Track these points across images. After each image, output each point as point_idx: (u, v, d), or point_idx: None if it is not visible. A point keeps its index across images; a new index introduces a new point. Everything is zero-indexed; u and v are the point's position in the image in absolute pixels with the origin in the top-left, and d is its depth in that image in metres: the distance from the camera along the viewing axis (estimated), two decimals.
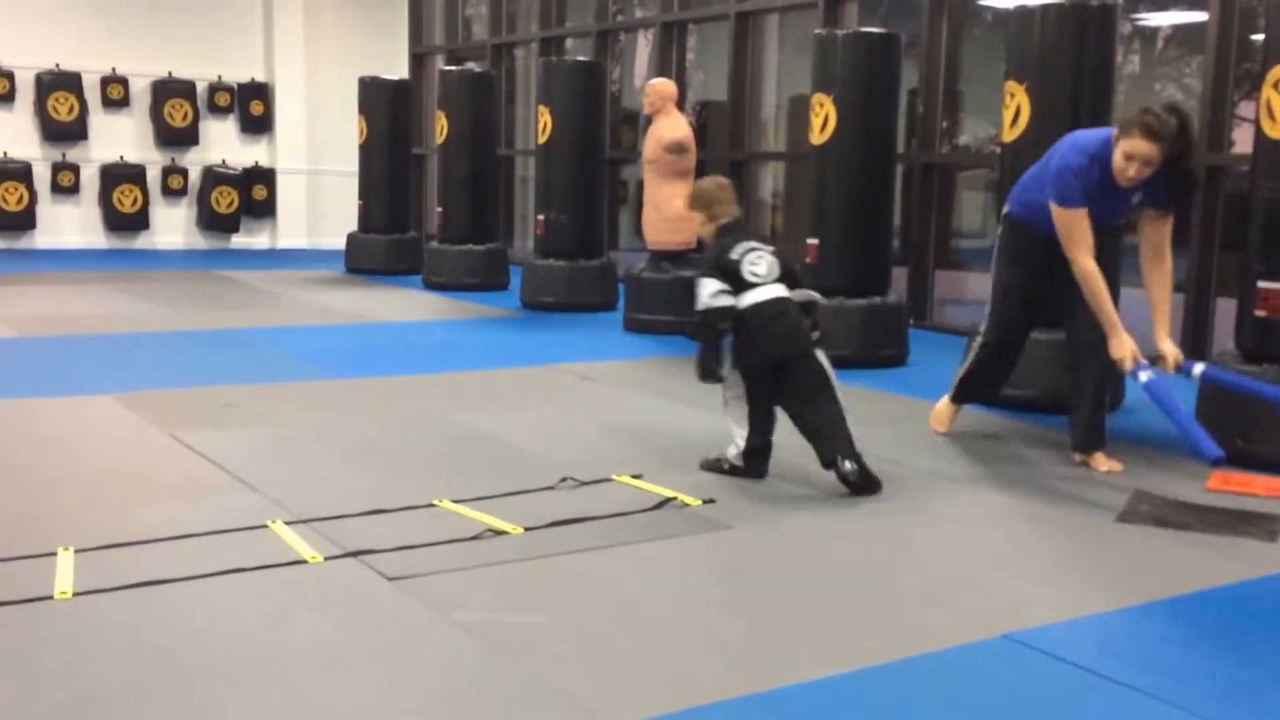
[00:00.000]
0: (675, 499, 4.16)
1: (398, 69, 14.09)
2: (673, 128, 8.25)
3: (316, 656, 2.89)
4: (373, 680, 2.77)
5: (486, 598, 3.27)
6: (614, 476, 4.45)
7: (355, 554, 3.55)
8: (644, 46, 12.23)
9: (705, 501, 4.16)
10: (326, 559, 3.51)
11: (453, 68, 11.79)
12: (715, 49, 11.30)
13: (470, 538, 3.73)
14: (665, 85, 8.47)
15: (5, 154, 13.04)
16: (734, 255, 4.44)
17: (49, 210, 13.31)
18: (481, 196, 11.06)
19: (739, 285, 4.41)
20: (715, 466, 4.56)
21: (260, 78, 14.33)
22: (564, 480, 4.36)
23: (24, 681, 2.69)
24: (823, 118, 7.13)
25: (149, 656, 2.85)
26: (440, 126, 11.00)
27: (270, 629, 3.04)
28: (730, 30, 10.51)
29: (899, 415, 5.80)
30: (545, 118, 9.49)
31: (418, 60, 14.84)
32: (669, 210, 8.22)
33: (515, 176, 13.45)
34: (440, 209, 11.07)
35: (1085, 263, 4.56)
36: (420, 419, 5.53)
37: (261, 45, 14.34)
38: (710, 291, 4.40)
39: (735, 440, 4.50)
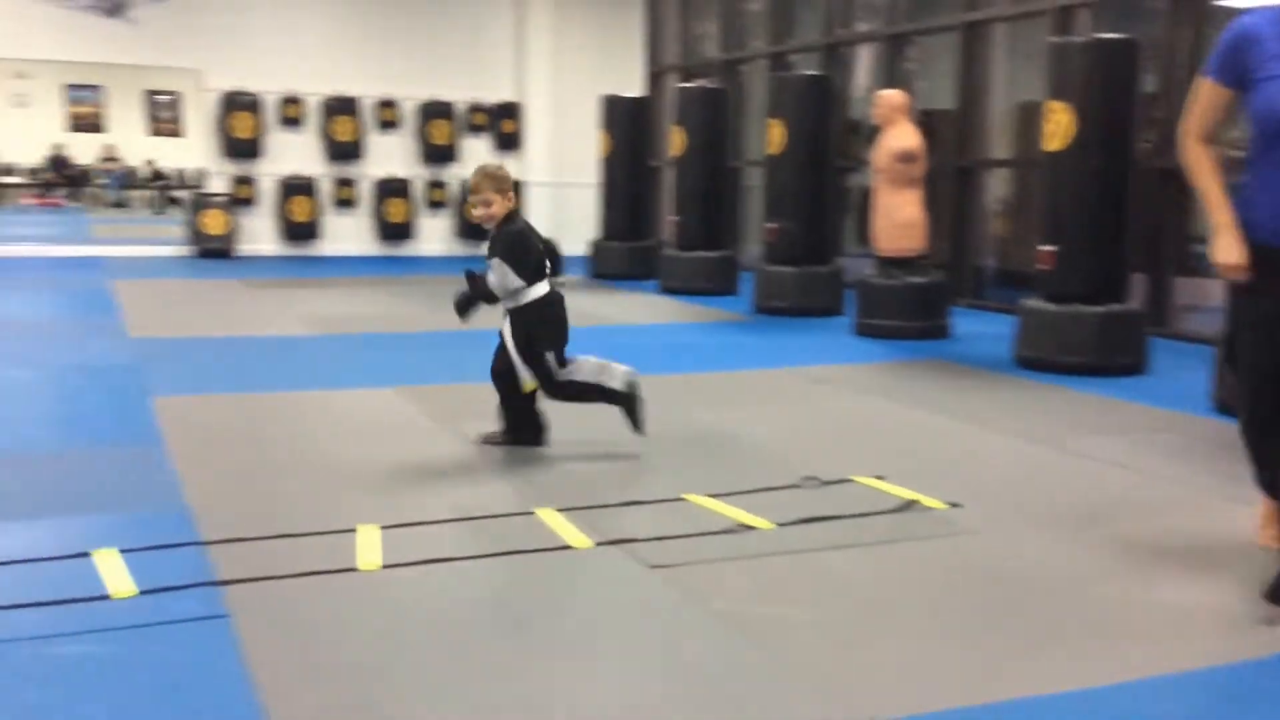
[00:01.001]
0: (918, 502, 4.07)
1: (634, 87, 14.33)
2: (903, 137, 8.08)
3: (590, 634, 2.97)
4: (640, 661, 2.83)
5: (742, 589, 3.28)
6: (855, 477, 4.39)
7: (618, 542, 3.63)
8: (865, 57, 12.02)
9: (950, 505, 4.05)
10: (596, 545, 3.61)
11: (689, 84, 11.89)
12: (937, 58, 10.99)
13: (722, 531, 3.76)
14: (895, 96, 8.30)
15: (296, 172, 13.95)
16: (540, 244, 4.67)
17: (331, 221, 14.19)
18: (714, 206, 11.13)
19: (539, 273, 4.63)
20: (638, 411, 4.78)
21: (512, 98, 14.84)
22: (806, 479, 4.34)
23: (342, 641, 2.87)
24: (1058, 125, 6.83)
25: (446, 625, 3.00)
26: (676, 140, 11.13)
27: (549, 605, 3.15)
28: (959, 40, 10.20)
29: (1137, 424, 5.50)
30: (776, 129, 9.45)
31: (653, 78, 15.05)
32: (899, 217, 8.07)
33: (742, 186, 13.46)
34: (675, 218, 11.20)
35: (1186, 147, 3.41)
36: (662, 416, 5.59)
37: (513, 69, 14.85)
38: (512, 285, 4.58)
39: (614, 378, 4.74)
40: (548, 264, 4.73)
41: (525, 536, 3.68)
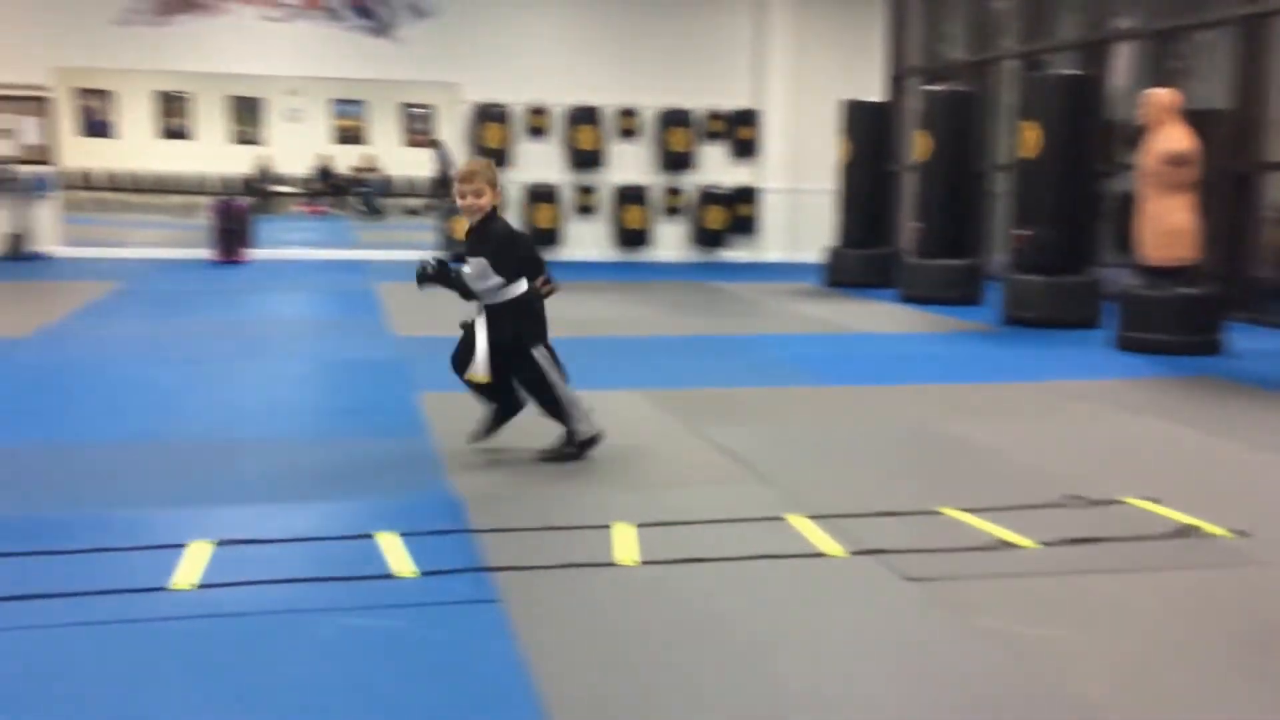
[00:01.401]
0: (1198, 528, 3.83)
1: (874, 91, 14.11)
2: (1173, 139, 7.62)
3: (850, 644, 2.95)
4: (901, 673, 2.79)
5: (1007, 608, 3.18)
6: (1126, 499, 4.17)
7: (872, 552, 3.58)
8: (1125, 55, 11.39)
9: (1236, 534, 3.79)
10: (850, 554, 3.57)
11: (935, 87, 11.60)
12: (1208, 54, 10.30)
13: (982, 547, 3.65)
14: (1165, 96, 7.84)
15: (540, 179, 14.48)
16: (526, 245, 4.72)
17: (573, 228, 14.64)
18: (959, 212, 10.83)
19: (520, 272, 4.60)
20: (561, 454, 4.63)
21: (749, 105, 14.89)
22: (1071, 498, 4.16)
23: (608, 631, 2.96)
24: None
25: (707, 624, 3.05)
26: (920, 144, 10.89)
27: (806, 613, 3.15)
28: (1237, 35, 9.54)
29: None
30: (1031, 132, 9.10)
31: (895, 81, 14.78)
32: (1168, 224, 7.61)
33: (987, 192, 13.02)
34: (918, 224, 10.95)
35: None
36: (910, 427, 5.50)
37: (751, 75, 14.91)
38: (491, 283, 4.53)
39: (577, 419, 4.65)
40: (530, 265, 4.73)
41: (777, 541, 3.69)
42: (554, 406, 4.70)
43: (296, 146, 24.77)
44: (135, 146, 23.61)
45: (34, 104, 13.00)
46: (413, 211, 24.04)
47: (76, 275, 11.44)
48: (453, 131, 15.04)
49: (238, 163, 23.89)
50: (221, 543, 3.57)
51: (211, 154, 23.95)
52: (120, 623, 2.99)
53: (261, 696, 2.60)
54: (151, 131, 23.86)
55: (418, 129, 25.73)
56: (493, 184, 4.61)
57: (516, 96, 14.31)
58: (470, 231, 4.69)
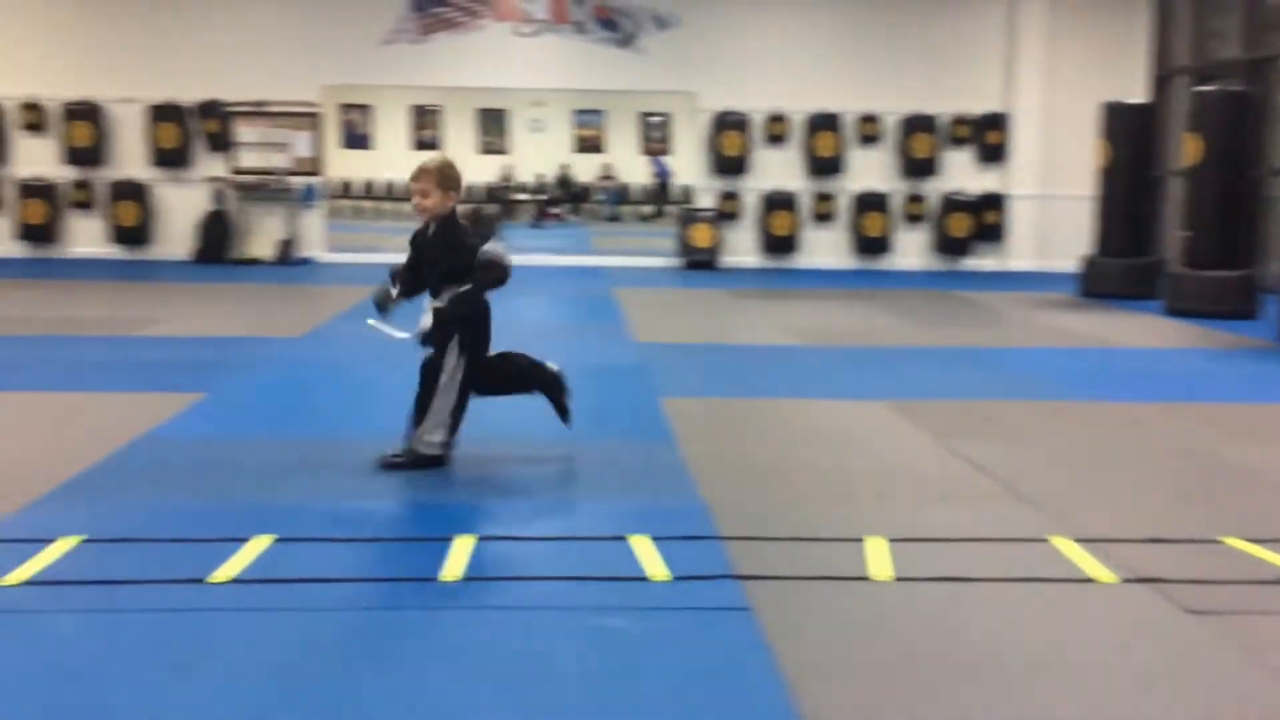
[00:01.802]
0: None
1: (1136, 92, 13.36)
2: None
3: (1126, 677, 2.79)
4: (1188, 713, 2.61)
5: None
6: None
7: (1148, 580, 3.38)
8: None
9: None
10: (1122, 581, 3.39)
11: (1207, 88, 10.88)
12: None
13: (1273, 581, 3.38)
14: None
15: (778, 187, 14.44)
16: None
17: (809, 234, 14.54)
18: (1232, 220, 10.11)
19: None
20: (404, 462, 4.44)
21: (998, 109, 14.38)
22: None
23: (865, 646, 2.91)
24: None
25: (971, 647, 2.95)
26: (1190, 148, 10.22)
27: (1075, 641, 3.00)
28: None
29: None
30: None
31: (1159, 82, 13.94)
32: None
33: (1263, 198, 12.09)
34: (1186, 233, 10.29)
35: None
36: (1183, 448, 5.16)
37: (1001, 78, 14.40)
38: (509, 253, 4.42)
39: (431, 435, 4.45)
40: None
41: (1041, 564, 3.54)
42: (424, 404, 4.55)
43: (538, 156, 25.70)
44: (390, 157, 25.04)
45: (306, 119, 14.01)
46: (648, 218, 24.56)
47: (340, 279, 12.23)
48: (690, 140, 15.23)
49: (483, 172, 25.00)
50: (483, 538, 3.72)
51: (461, 164, 25.10)
52: (392, 609, 3.16)
53: (523, 688, 2.69)
54: (405, 143, 25.25)
55: (654, 138, 26.22)
56: (444, 186, 4.48)
57: (755, 104, 14.34)
58: (432, 235, 4.57)
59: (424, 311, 4.59)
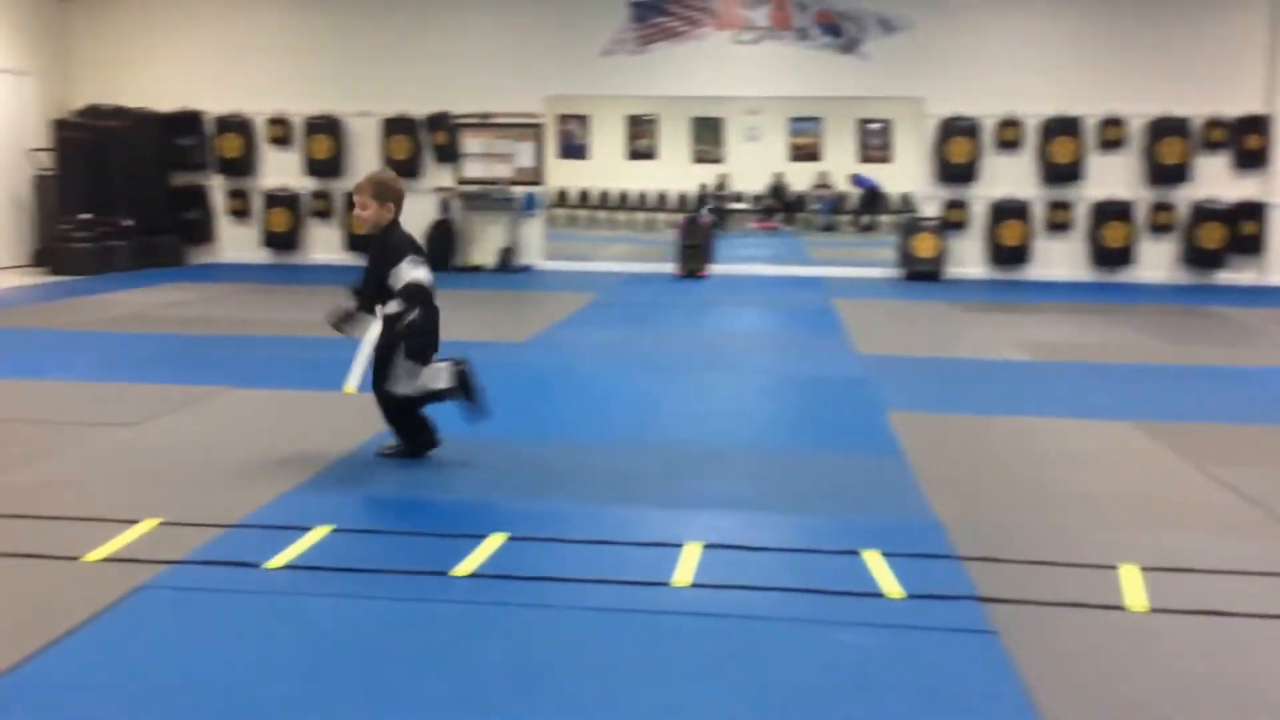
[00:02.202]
0: None
1: None
2: None
3: None
4: None
5: None
6: None
7: None
8: None
9: None
10: None
11: None
12: None
13: None
14: None
15: (1008, 195, 14.01)
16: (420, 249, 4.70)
17: (1042, 245, 14.03)
18: None
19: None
20: (396, 451, 4.81)
21: (1259, 110, 13.51)
22: None
23: (1120, 679, 2.80)
24: None
25: (1236, 688, 2.79)
26: None
27: None
28: None
29: None
30: None
31: None
32: None
33: None
34: None
35: None
36: None
37: (1263, 77, 13.52)
38: (425, 274, 4.65)
39: (436, 375, 4.77)
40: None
41: None
42: (394, 417, 4.80)
43: (752, 164, 25.76)
44: (605, 167, 25.64)
45: (528, 130, 14.51)
46: (866, 228, 24.19)
47: (558, 287, 12.60)
48: (913, 147, 14.94)
49: (698, 181, 25.26)
50: (709, 545, 3.77)
51: (674, 173, 25.48)
52: (620, 611, 3.24)
53: (751, 697, 2.71)
54: (621, 152, 25.78)
55: (873, 145, 25.84)
56: (380, 198, 4.67)
57: (986, 108, 13.95)
58: (371, 240, 4.78)
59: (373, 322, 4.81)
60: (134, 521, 3.89)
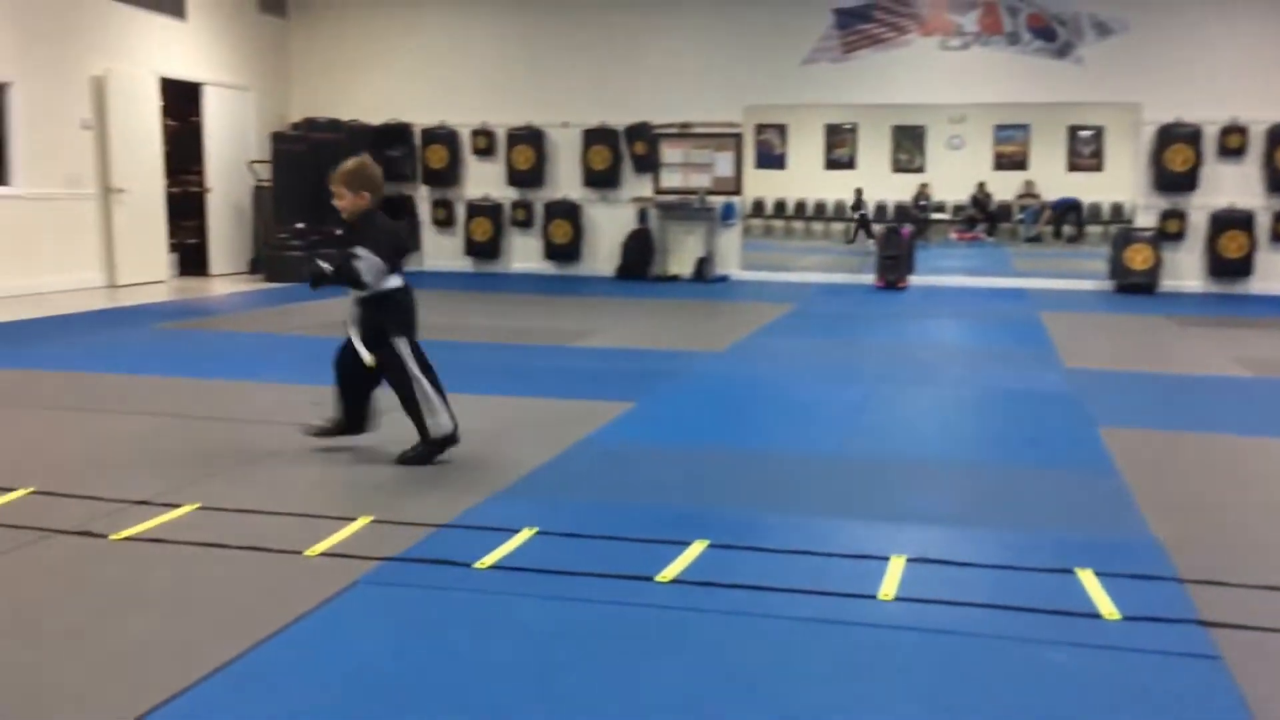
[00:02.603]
0: None
1: None
2: None
3: None
4: None
5: None
6: None
7: None
8: None
9: None
10: None
11: None
12: None
13: None
14: None
15: (1230, 204, 13.27)
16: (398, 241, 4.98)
17: (1267, 257, 13.23)
18: None
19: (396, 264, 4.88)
20: (423, 456, 4.89)
21: None
22: None
23: None
24: None
25: None
26: None
27: None
28: None
29: None
30: None
31: None
32: None
33: None
34: None
35: None
36: None
37: None
38: (376, 271, 4.78)
39: (435, 419, 4.89)
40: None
41: None
42: (410, 403, 4.92)
43: (954, 173, 25.19)
44: (801, 176, 25.52)
45: (727, 140, 14.60)
46: (1073, 239, 23.28)
47: (755, 297, 12.63)
48: (1126, 154, 14.33)
49: (897, 190, 24.88)
50: (913, 559, 3.73)
51: (872, 182, 25.18)
52: (825, 622, 3.24)
53: (963, 715, 2.68)
54: (818, 162, 25.62)
55: (1084, 153, 24.87)
56: (353, 187, 4.83)
57: (1208, 114, 13.26)
58: (349, 227, 4.95)
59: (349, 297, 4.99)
60: (350, 519, 4.11)
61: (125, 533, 3.94)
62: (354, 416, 5.16)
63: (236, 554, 3.76)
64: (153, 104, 13.27)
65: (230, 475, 4.76)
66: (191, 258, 14.31)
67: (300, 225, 13.85)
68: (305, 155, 14.12)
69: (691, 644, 3.09)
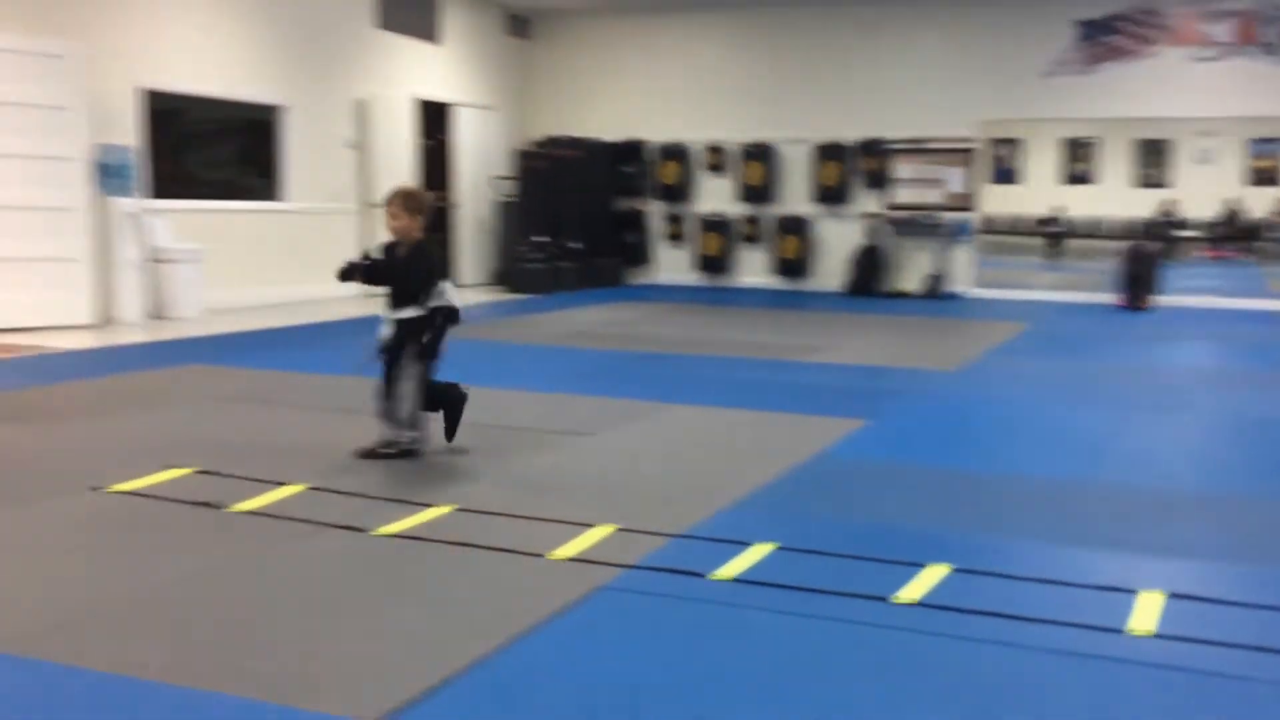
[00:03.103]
0: None
1: None
2: None
3: None
4: None
5: None
6: None
7: None
8: None
9: None
10: None
11: None
12: None
13: None
14: None
15: None
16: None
17: None
18: None
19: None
20: (386, 452, 5.04)
21: None
22: None
23: None
24: None
25: None
26: None
27: None
28: None
29: None
30: None
31: None
32: None
33: None
34: None
35: None
36: None
37: None
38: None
39: (409, 426, 5.07)
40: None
41: None
42: (398, 414, 5.06)
43: (1202, 189, 23.72)
44: (1037, 192, 24.56)
45: (960, 155, 14.20)
46: None
47: (988, 315, 12.21)
48: None
49: (1140, 207, 23.59)
50: (1173, 595, 3.50)
51: (1113, 198, 23.97)
52: (1074, 655, 3.09)
53: None
54: (1054, 177, 24.61)
55: None
56: (410, 210, 5.00)
57: None
58: (404, 256, 5.05)
59: (383, 323, 5.12)
60: (591, 525, 4.18)
61: (386, 529, 4.14)
62: (431, 405, 5.24)
63: (485, 555, 3.89)
64: (408, 124, 13.99)
65: (481, 479, 4.94)
66: None
67: (541, 239, 14.30)
68: (547, 172, 14.58)
69: (930, 668, 2.99)
